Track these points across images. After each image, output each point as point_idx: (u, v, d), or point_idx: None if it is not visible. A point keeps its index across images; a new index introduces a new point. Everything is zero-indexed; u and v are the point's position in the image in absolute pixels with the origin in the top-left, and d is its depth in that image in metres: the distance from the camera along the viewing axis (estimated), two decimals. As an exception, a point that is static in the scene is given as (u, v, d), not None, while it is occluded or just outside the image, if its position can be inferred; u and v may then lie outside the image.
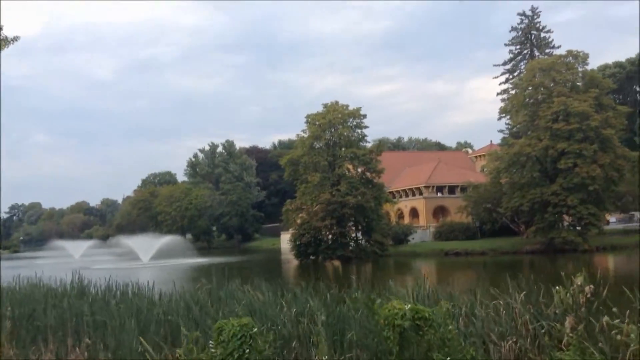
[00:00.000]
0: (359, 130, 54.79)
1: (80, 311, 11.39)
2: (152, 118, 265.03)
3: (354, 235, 55.24)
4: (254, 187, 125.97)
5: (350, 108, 54.60)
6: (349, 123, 54.15)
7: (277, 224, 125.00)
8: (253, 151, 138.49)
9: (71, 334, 10.28)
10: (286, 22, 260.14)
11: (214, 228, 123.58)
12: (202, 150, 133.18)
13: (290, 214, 57.22)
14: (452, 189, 75.15)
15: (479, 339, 7.79)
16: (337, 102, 55.09)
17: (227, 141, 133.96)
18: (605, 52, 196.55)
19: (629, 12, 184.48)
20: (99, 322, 10.73)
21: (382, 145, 57.24)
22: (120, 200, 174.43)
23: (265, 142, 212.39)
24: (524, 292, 8.54)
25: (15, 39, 14.97)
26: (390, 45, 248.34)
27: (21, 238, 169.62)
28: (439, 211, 73.32)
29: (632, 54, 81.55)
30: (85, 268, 48.60)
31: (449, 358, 6.74)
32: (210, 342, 7.45)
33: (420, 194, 74.71)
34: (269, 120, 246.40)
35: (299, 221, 55.06)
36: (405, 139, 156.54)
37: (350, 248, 53.08)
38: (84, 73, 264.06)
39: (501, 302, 8.84)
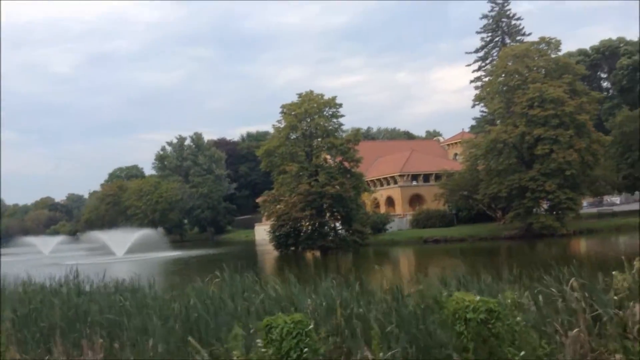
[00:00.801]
0: (335, 120, 54.26)
1: (86, 309, 10.63)
2: (115, 113, 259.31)
3: (333, 225, 54.84)
4: (224, 180, 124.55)
5: (325, 97, 53.96)
6: (324, 112, 53.55)
7: (249, 215, 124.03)
8: (221, 143, 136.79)
9: (84, 334, 9.53)
10: (247, 15, 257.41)
11: (186, 221, 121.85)
12: (170, 144, 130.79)
13: (267, 205, 56.50)
14: (426, 177, 75.48)
15: (538, 331, 7.38)
16: (311, 92, 54.44)
17: (195, 134, 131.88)
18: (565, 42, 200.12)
19: (579, 5, 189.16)
20: (112, 320, 10.01)
21: (359, 135, 56.82)
22: (86, 195, 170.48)
23: (232, 134, 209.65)
24: (573, 279, 8.18)
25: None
26: (352, 37, 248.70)
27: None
28: (415, 199, 73.61)
29: (584, 45, 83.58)
30: (57, 264, 47.19)
31: (522, 352, 6.32)
32: (258, 340, 6.87)
33: (395, 182, 74.82)
34: (234, 113, 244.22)
35: (277, 212, 54.34)
36: (374, 129, 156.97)
37: (330, 238, 52.69)
38: (43, 68, 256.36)
39: (542, 290, 8.50)
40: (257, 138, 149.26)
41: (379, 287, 10.18)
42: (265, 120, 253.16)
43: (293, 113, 52.47)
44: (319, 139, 54.05)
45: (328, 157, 55.29)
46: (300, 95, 54.13)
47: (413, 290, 8.23)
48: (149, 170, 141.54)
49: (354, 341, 7.37)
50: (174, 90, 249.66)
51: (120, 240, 66.69)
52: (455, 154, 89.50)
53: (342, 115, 54.21)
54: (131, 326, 9.55)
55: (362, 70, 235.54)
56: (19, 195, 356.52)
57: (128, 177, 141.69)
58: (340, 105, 53.74)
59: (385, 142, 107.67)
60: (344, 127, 57.11)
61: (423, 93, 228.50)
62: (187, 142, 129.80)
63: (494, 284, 9.65)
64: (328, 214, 53.32)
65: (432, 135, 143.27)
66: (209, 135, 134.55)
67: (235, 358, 6.50)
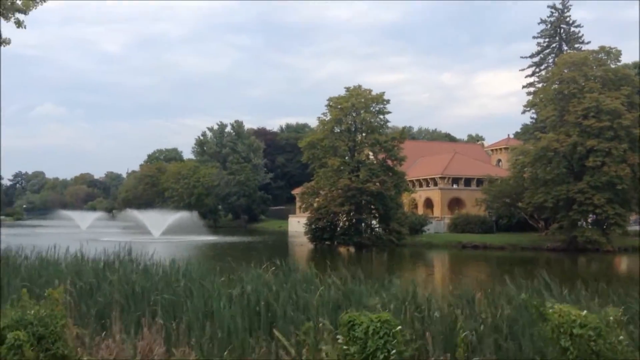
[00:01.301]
0: (382, 116, 53.55)
1: (144, 287, 10.40)
2: (159, 95, 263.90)
3: (369, 222, 54.24)
4: (261, 169, 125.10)
5: (373, 93, 53.26)
6: (371, 108, 52.86)
7: (282, 206, 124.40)
8: (261, 133, 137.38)
9: (145, 312, 9.31)
10: (294, 6, 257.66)
11: (220, 207, 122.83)
12: (210, 129, 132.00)
13: (306, 197, 56.20)
14: (468, 181, 74.11)
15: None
16: (360, 86, 53.80)
17: (236, 121, 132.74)
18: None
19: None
20: (171, 301, 9.75)
21: (405, 133, 55.78)
22: (124, 174, 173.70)
23: (270, 124, 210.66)
24: None
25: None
26: (399, 35, 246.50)
27: (24, 206, 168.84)
28: (454, 203, 72.31)
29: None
30: (94, 240, 47.89)
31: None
32: (338, 336, 6.46)
33: (435, 184, 73.64)
34: (274, 103, 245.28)
35: (315, 205, 54.03)
36: (415, 129, 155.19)
37: (366, 235, 52.09)
38: (94, 46, 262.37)
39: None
40: (296, 130, 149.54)
41: (443, 288, 9.68)
42: (305, 113, 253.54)
43: (339, 106, 51.93)
44: (363, 135, 53.40)
45: (370, 153, 54.59)
46: (347, 89, 53.55)
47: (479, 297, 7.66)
48: (187, 154, 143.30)
49: (436, 345, 6.91)
50: (217, 77, 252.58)
51: (157, 221, 67.46)
52: (499, 160, 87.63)
53: (388, 112, 53.57)
54: (192, 308, 9.28)
55: (406, 69, 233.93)
56: (60, 169, 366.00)
57: (167, 159, 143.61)
58: (388, 101, 53.02)
59: (426, 142, 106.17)
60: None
61: (466, 96, 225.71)
62: (228, 129, 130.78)
63: (574, 298, 9.05)
64: (366, 211, 52.66)
65: (474, 139, 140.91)
66: (248, 124, 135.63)
67: (324, 354, 6.08)
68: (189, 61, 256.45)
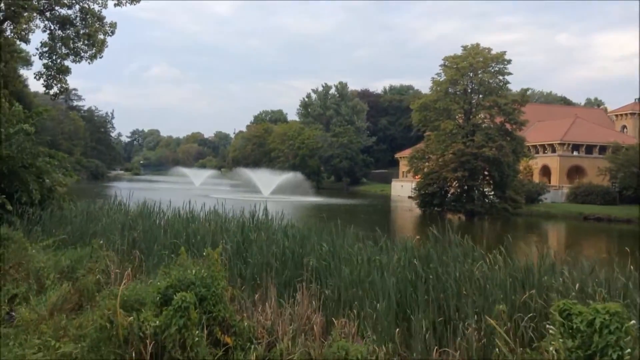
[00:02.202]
0: (501, 77, 50.21)
1: (295, 251, 9.93)
2: (266, 57, 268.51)
3: (482, 189, 51.77)
4: (364, 132, 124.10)
5: (493, 52, 49.96)
6: (490, 68, 49.70)
7: (384, 170, 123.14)
8: (364, 95, 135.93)
9: (304, 277, 8.85)
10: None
11: (323, 169, 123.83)
12: (315, 91, 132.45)
13: (415, 161, 54.56)
14: (589, 149, 68.85)
15: None
16: (478, 45, 50.66)
17: (340, 83, 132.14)
18: None
19: None
20: (325, 267, 9.19)
21: (527, 96, 51.94)
22: (232, 134, 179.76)
23: (374, 87, 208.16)
24: None
25: None
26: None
27: (141, 162, 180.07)
28: (574, 171, 67.59)
29: None
30: (206, 196, 49.64)
31: None
32: (550, 327, 5.54)
33: (554, 151, 69.04)
34: (379, 65, 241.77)
35: (425, 170, 52.37)
36: (529, 92, 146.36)
37: (479, 202, 49.80)
38: (204, 8, 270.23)
39: None
40: (400, 92, 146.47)
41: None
42: (410, 75, 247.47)
43: (456, 66, 49.28)
44: (480, 97, 50.55)
45: (486, 116, 51.66)
46: (465, 47, 50.67)
47: None
48: (292, 116, 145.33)
49: None
50: (322, 39, 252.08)
51: (267, 180, 69.03)
52: (624, 127, 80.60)
53: (509, 73, 50.04)
54: (347, 276, 8.67)
55: (520, 28, 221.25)
56: (173, 127, 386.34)
57: (272, 120, 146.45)
58: (509, 61, 49.46)
59: (544, 105, 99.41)
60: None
61: (585, 57, 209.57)
62: (332, 91, 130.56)
63: None
64: (480, 177, 50.16)
65: (593, 103, 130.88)
66: (352, 86, 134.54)
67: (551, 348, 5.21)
68: (294, 23, 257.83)
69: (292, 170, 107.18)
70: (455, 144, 48.28)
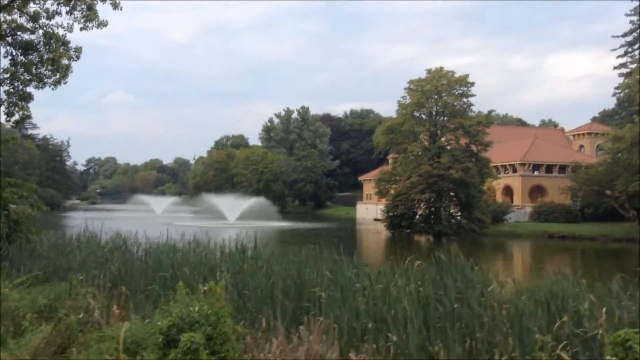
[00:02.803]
0: (465, 100, 51.07)
1: (297, 281, 9.34)
2: (224, 82, 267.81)
3: (449, 210, 52.15)
4: (327, 155, 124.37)
5: (457, 75, 50.84)
6: (454, 91, 50.50)
7: (348, 193, 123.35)
8: (326, 119, 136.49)
9: (311, 310, 8.26)
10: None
11: (287, 193, 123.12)
12: (277, 116, 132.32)
13: (383, 183, 54.66)
14: (549, 168, 70.51)
15: None
16: (441, 68, 51.51)
17: (302, 107, 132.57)
18: None
19: None
20: (329, 296, 8.64)
21: (491, 117, 52.95)
22: (191, 160, 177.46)
23: (334, 110, 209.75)
24: None
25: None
26: (467, 16, 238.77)
27: (98, 190, 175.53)
28: (535, 190, 68.94)
29: None
30: (170, 224, 48.26)
31: None
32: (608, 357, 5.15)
33: (514, 171, 70.40)
34: (338, 89, 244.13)
35: (392, 192, 52.46)
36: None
37: (447, 223, 50.08)
38: (160, 35, 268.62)
39: None
40: (360, 115, 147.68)
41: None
42: (369, 98, 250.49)
43: (421, 89, 49.89)
44: (445, 119, 51.20)
45: (451, 138, 52.29)
46: (429, 70, 51.41)
47: None
48: (253, 140, 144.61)
49: None
50: (281, 64, 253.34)
51: (232, 206, 67.87)
52: (581, 146, 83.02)
53: (472, 95, 50.97)
54: (356, 306, 8.16)
55: (475, 52, 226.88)
56: (131, 154, 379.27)
57: (233, 145, 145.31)
58: (472, 84, 50.48)
59: (501, 127, 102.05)
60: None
61: (536, 79, 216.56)
62: (294, 115, 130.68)
63: None
64: (448, 198, 50.58)
65: (548, 124, 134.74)
66: (313, 110, 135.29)
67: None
68: (253, 48, 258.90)
69: (255, 195, 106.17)
70: (423, 166, 48.58)
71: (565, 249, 43.82)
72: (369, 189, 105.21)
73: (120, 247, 13.85)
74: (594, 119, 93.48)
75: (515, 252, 42.56)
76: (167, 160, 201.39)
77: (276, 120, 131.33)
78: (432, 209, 50.94)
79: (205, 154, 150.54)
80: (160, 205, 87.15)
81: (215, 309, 7.18)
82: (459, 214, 50.81)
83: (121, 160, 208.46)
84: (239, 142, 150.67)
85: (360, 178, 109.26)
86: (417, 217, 51.26)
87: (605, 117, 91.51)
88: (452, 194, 50.61)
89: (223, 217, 66.26)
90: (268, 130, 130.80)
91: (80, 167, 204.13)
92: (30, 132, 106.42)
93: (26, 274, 11.27)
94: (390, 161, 60.71)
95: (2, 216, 14.71)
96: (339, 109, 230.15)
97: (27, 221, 16.78)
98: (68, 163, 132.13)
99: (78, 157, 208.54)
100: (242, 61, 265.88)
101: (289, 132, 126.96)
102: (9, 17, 25.78)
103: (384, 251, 39.13)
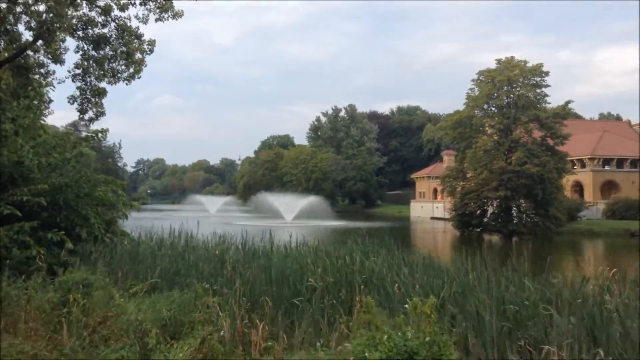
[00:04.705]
0: (539, 90, 47.92)
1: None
2: (266, 84, 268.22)
3: (523, 208, 49.06)
4: (375, 153, 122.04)
5: (529, 64, 47.79)
6: (528, 81, 47.44)
7: (398, 191, 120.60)
8: (373, 117, 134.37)
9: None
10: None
11: (338, 192, 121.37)
12: (325, 114, 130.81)
13: (449, 180, 52.02)
14: (620, 162, 66.53)
15: None
16: (512, 57, 48.61)
17: (350, 105, 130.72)
18: None
19: None
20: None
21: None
22: (237, 161, 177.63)
23: (379, 109, 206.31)
24: None
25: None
26: (512, 12, 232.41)
27: (148, 191, 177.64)
28: (607, 186, 65.06)
29: None
30: (229, 224, 47.09)
31: None
32: None
33: (583, 166, 66.68)
34: (379, 88, 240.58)
35: (461, 189, 49.86)
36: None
37: (522, 222, 47.06)
38: (206, 38, 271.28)
39: None
40: (407, 112, 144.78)
41: None
42: (413, 97, 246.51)
43: (493, 80, 47.03)
44: (515, 111, 48.18)
45: (522, 131, 49.17)
46: (499, 61, 48.54)
47: None
48: (298, 140, 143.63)
49: None
50: (324, 65, 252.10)
51: (288, 205, 66.61)
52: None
53: (547, 85, 47.80)
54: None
55: (521, 48, 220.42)
56: (179, 156, 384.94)
57: (280, 145, 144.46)
58: (547, 73, 47.31)
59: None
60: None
61: (587, 74, 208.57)
62: (342, 113, 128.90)
63: None
64: (523, 196, 47.43)
65: (608, 117, 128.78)
66: (358, 109, 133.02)
67: None
68: (295, 50, 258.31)
69: (305, 194, 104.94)
70: (496, 162, 45.79)
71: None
72: (422, 186, 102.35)
73: (228, 250, 12.28)
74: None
75: (603, 254, 39.41)
76: (214, 161, 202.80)
77: (323, 119, 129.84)
78: (504, 206, 48.02)
79: (249, 154, 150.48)
80: (213, 205, 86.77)
81: (434, 336, 5.33)
82: (533, 212, 47.66)
83: (169, 162, 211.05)
84: (285, 141, 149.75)
85: (413, 176, 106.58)
86: (488, 215, 48.47)
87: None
88: (529, 190, 47.37)
89: (279, 216, 64.96)
90: (315, 129, 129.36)
91: (129, 169, 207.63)
92: (84, 134, 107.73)
93: (142, 282, 9.79)
94: (444, 158, 58.04)
95: (97, 216, 13.31)
96: (384, 108, 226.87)
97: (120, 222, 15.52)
98: (119, 164, 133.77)
99: (127, 159, 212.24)
100: (283, 63, 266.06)
101: (337, 130, 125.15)
102: (78, 12, 24.51)
103: (466, 253, 36.73)
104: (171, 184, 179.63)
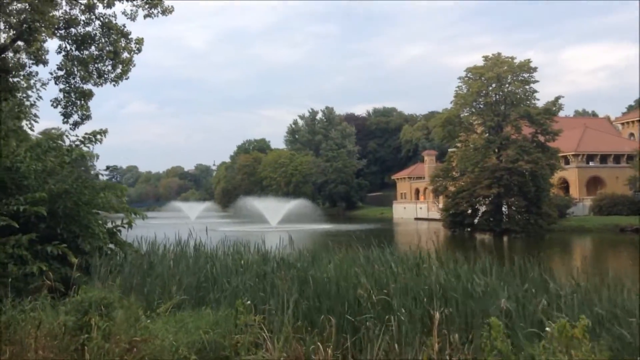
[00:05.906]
0: (528, 87, 47.44)
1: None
2: (241, 88, 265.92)
3: (514, 206, 48.50)
4: (354, 155, 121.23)
5: (517, 61, 47.32)
6: (517, 77, 46.92)
7: (379, 192, 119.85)
8: (350, 119, 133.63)
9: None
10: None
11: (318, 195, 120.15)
12: (302, 117, 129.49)
13: (438, 180, 51.19)
14: (604, 158, 66.77)
15: None
16: (499, 54, 48.11)
17: (327, 108, 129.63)
18: None
19: None
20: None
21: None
22: (212, 166, 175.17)
23: (355, 112, 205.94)
24: None
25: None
26: (481, 13, 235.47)
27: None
28: (592, 182, 65.14)
29: None
30: (214, 230, 45.25)
31: None
32: None
33: (567, 163, 66.67)
34: (353, 91, 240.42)
35: (451, 188, 49.07)
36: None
37: (514, 220, 46.45)
38: (179, 44, 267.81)
39: None
40: (384, 114, 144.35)
41: None
42: (386, 98, 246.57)
43: (482, 77, 46.39)
44: (504, 108, 47.59)
45: (514, 128, 48.58)
46: (485, 58, 47.95)
47: None
48: (274, 144, 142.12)
49: None
50: (297, 67, 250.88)
51: (270, 210, 65.22)
52: (631, 134, 79.07)
53: (536, 81, 47.34)
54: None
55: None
56: (152, 163, 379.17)
57: (257, 149, 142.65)
58: (535, 69, 46.91)
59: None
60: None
61: (553, 73, 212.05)
62: (319, 116, 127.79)
63: None
64: (516, 193, 46.77)
65: (583, 114, 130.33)
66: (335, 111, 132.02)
67: None
68: (268, 53, 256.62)
69: (285, 198, 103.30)
70: (488, 159, 45.11)
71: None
72: (403, 187, 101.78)
73: (266, 261, 10.80)
74: (630, 108, 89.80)
75: (600, 251, 38.89)
76: (188, 167, 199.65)
77: (301, 122, 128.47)
78: (496, 204, 47.34)
79: (225, 159, 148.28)
80: (193, 211, 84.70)
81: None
82: (524, 209, 47.09)
83: (143, 169, 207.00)
84: (262, 145, 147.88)
85: (393, 177, 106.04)
86: (480, 214, 47.75)
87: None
88: (521, 188, 46.78)
89: (262, 221, 63.40)
90: (293, 132, 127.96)
91: (101, 177, 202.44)
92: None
93: (165, 299, 8.39)
94: (425, 158, 57.31)
95: (100, 226, 11.79)
96: (359, 110, 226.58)
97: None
98: (92, 172, 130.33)
99: (100, 167, 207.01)
100: (257, 66, 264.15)
101: (315, 133, 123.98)
102: (58, 12, 22.59)
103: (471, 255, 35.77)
104: (145, 191, 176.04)
